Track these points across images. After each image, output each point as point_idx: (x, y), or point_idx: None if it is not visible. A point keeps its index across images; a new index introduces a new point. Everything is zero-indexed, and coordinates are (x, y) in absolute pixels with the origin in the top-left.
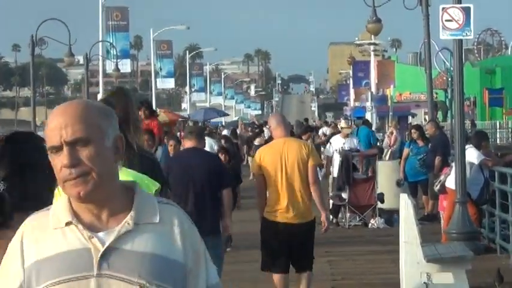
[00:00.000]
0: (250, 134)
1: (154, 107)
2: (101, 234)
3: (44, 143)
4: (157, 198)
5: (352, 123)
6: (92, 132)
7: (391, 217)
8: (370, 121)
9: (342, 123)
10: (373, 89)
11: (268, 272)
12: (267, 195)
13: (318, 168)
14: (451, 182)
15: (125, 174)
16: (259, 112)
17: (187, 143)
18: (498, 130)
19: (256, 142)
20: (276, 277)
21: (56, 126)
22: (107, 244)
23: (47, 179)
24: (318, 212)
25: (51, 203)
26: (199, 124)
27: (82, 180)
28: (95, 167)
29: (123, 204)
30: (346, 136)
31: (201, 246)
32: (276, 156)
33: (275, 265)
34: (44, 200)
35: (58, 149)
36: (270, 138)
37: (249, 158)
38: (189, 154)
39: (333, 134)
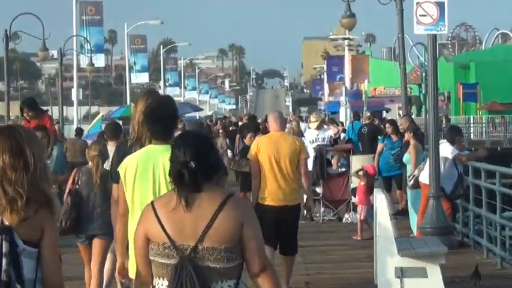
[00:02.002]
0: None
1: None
2: None
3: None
4: None
5: (326, 117)
6: None
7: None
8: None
9: (312, 117)
10: (348, 83)
11: None
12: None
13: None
14: (424, 177)
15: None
16: (234, 107)
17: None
18: (472, 125)
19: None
20: (266, 249)
21: None
22: None
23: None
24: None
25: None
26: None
27: None
28: None
29: None
30: (318, 128)
31: None
32: (272, 146)
33: (265, 241)
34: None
35: None
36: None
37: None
38: None
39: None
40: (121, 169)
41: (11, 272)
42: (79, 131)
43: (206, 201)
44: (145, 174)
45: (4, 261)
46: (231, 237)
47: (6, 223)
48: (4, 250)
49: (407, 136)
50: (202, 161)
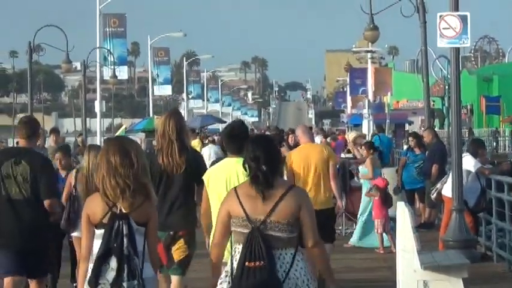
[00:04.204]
0: None
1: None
2: None
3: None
4: None
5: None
6: None
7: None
8: (383, 128)
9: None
10: (370, 96)
11: None
12: None
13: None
14: (447, 190)
15: (239, 163)
16: (256, 119)
17: None
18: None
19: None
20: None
21: None
22: None
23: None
24: None
25: None
26: (196, 131)
27: None
28: None
29: None
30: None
31: None
32: (304, 157)
33: None
34: None
35: None
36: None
37: None
38: None
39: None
40: (205, 177)
41: (130, 248)
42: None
43: (275, 191)
44: (223, 180)
45: (125, 240)
46: (291, 215)
47: (124, 211)
48: (125, 232)
49: (363, 152)
50: (270, 163)
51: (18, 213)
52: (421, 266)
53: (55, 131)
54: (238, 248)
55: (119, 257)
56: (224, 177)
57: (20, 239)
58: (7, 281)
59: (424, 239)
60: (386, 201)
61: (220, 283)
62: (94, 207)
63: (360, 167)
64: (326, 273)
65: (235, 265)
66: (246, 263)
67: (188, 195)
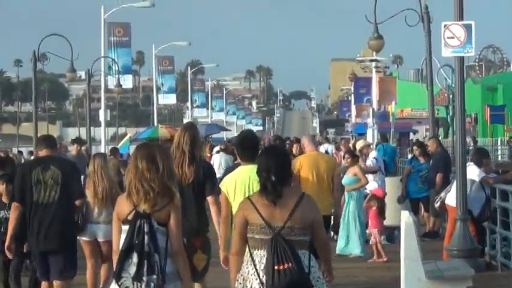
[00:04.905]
0: None
1: (155, 123)
2: None
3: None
4: None
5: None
6: None
7: (392, 233)
8: (387, 137)
9: (360, 143)
10: (375, 105)
11: None
12: None
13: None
14: (451, 199)
15: (253, 170)
16: (261, 128)
17: None
18: (499, 147)
19: None
20: None
21: None
22: None
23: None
24: None
25: None
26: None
27: None
28: None
29: None
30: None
31: None
32: (313, 164)
33: None
34: None
35: None
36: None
37: None
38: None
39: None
40: (223, 185)
41: (151, 245)
42: (114, 151)
43: (287, 199)
44: (240, 186)
45: (146, 237)
46: (305, 221)
47: (146, 211)
48: (146, 230)
49: (346, 161)
50: (280, 174)
51: (48, 215)
52: (426, 275)
53: (78, 141)
54: (256, 252)
55: (139, 252)
56: (241, 184)
57: (53, 241)
58: (54, 285)
59: (429, 248)
60: (383, 212)
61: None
62: (121, 205)
63: (345, 177)
64: (328, 265)
65: (251, 268)
66: (276, 267)
67: (198, 204)
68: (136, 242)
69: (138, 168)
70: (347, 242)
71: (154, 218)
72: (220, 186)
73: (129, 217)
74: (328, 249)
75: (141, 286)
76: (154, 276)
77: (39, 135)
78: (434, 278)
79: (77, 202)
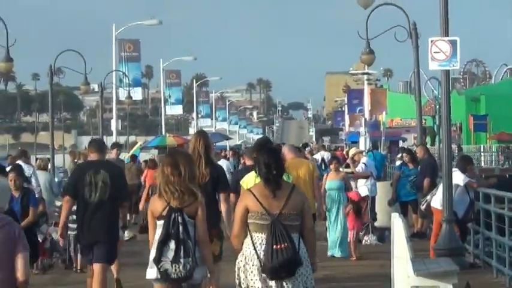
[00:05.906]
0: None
1: (163, 132)
2: None
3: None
4: None
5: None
6: None
7: (383, 234)
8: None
9: (352, 150)
10: (367, 115)
11: None
12: None
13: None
14: (436, 202)
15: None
16: (261, 136)
17: None
18: (482, 153)
19: None
20: None
21: None
22: None
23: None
24: None
25: None
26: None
27: None
28: None
29: None
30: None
31: None
32: (294, 168)
33: None
34: None
35: None
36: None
37: None
38: None
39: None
40: (243, 182)
41: (184, 234)
42: (133, 158)
43: (282, 190)
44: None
45: (181, 227)
46: (297, 208)
47: (178, 206)
48: (180, 221)
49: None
50: (278, 169)
51: (98, 212)
52: (414, 273)
53: (116, 145)
54: (256, 235)
55: (176, 240)
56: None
57: (101, 232)
58: (97, 267)
59: (417, 247)
60: (360, 213)
61: (243, 265)
62: (155, 204)
63: (329, 182)
64: (313, 253)
65: (252, 249)
66: (274, 246)
67: (213, 199)
68: (172, 231)
69: (164, 173)
70: (336, 244)
71: (186, 213)
72: (241, 182)
73: (164, 213)
74: (313, 234)
75: (178, 267)
76: (190, 259)
77: (55, 143)
78: (422, 275)
79: (123, 204)
